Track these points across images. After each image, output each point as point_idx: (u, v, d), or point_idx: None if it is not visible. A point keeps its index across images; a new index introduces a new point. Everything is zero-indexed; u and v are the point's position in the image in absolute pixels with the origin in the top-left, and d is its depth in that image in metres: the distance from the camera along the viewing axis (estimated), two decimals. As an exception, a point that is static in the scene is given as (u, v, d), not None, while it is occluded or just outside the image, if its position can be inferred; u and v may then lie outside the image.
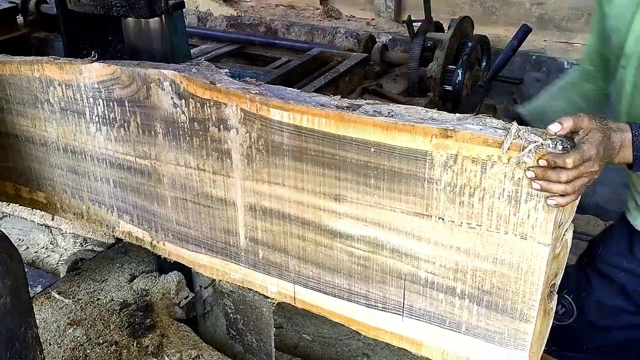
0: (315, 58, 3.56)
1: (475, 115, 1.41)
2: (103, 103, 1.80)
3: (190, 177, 1.75)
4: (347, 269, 1.62)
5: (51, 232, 3.44)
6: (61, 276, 2.95)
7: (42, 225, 3.33)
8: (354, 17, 4.59)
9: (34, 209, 2.41)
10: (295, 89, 1.64)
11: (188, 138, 1.69)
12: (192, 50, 3.72)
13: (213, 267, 1.86)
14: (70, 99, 1.86)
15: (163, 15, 1.83)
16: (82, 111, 1.86)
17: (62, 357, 2.03)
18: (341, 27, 4.33)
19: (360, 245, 1.56)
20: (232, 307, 2.20)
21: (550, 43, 3.88)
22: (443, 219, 1.43)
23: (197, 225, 1.82)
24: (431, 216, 1.44)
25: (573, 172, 1.22)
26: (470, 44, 3.18)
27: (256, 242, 1.73)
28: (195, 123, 1.66)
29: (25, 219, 3.23)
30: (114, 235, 2.66)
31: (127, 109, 1.76)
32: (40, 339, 1.58)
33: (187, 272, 2.22)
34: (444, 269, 1.48)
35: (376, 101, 1.56)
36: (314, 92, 2.22)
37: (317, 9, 4.65)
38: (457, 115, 1.43)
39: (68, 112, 1.90)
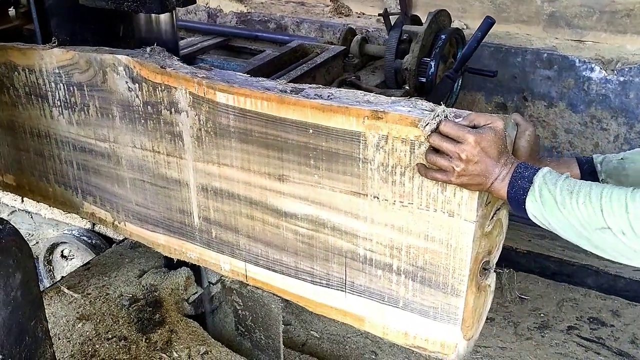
0: (295, 50, 3.61)
1: (408, 98, 1.48)
2: (64, 87, 1.87)
3: (146, 159, 1.82)
4: (293, 247, 1.68)
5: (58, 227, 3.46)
6: (39, 261, 3.01)
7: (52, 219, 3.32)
8: (363, 14, 4.61)
9: (40, 203, 2.43)
10: (245, 75, 1.70)
11: (143, 121, 1.76)
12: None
13: (171, 246, 1.93)
14: (34, 84, 1.93)
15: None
16: (45, 96, 1.94)
17: (71, 351, 2.02)
18: (351, 24, 4.27)
19: (304, 223, 1.63)
20: (241, 304, 2.22)
21: (561, 41, 3.87)
22: (378, 198, 1.49)
23: (154, 206, 1.89)
24: (367, 195, 1.50)
25: (437, 140, 1.30)
26: (443, 36, 3.24)
27: (209, 222, 1.80)
28: (148, 106, 1.73)
29: (36, 213, 3.21)
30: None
31: (86, 93, 1.83)
32: (50, 333, 1.59)
33: (196, 268, 2.22)
34: (380, 246, 1.54)
35: (320, 86, 1.63)
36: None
37: (327, 6, 4.63)
38: (392, 98, 1.50)
39: (32, 96, 1.97)
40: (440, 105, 1.39)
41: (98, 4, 1.81)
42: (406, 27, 3.44)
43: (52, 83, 1.89)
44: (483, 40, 3.08)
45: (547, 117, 3.89)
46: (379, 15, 3.83)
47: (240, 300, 2.21)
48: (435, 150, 1.34)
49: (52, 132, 2.00)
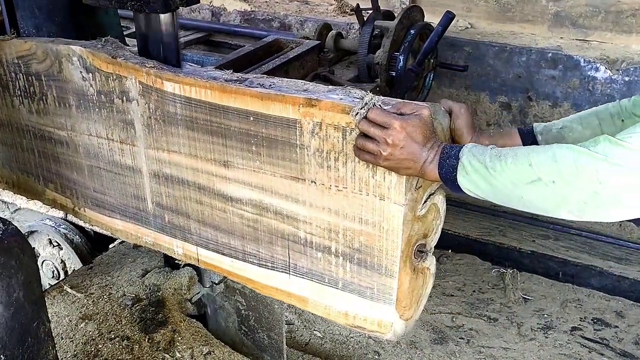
0: (270, 45, 3.68)
1: (344, 87, 1.55)
2: (23, 77, 1.93)
3: (101, 147, 1.89)
4: (239, 230, 1.75)
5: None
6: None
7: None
8: (368, 12, 4.67)
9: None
10: (195, 65, 1.77)
11: (97, 109, 1.83)
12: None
13: (127, 231, 2.00)
14: (-5, 74, 2.01)
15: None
16: (6, 85, 2.00)
17: (74, 351, 2.02)
18: (355, 22, 4.27)
19: (249, 208, 1.70)
20: (244, 304, 2.24)
21: (566, 40, 3.90)
22: (315, 182, 1.56)
23: (111, 192, 1.96)
24: (305, 180, 1.57)
25: (366, 125, 1.37)
26: (412, 31, 3.31)
27: (162, 207, 1.87)
28: (102, 95, 1.79)
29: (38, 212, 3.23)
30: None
31: (44, 82, 1.90)
32: (53, 333, 1.58)
33: (198, 269, 2.24)
34: (319, 229, 1.61)
35: (264, 76, 1.70)
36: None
37: (331, 5, 4.66)
38: (329, 87, 1.57)
39: (-6, 86, 2.04)
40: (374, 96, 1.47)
41: (102, 4, 1.84)
42: (378, 23, 3.51)
43: (12, 73, 1.96)
44: (489, 40, 3.10)
45: (552, 117, 3.86)
46: (351, 10, 3.89)
47: (243, 300, 2.23)
48: (365, 135, 1.41)
49: (14, 121, 2.07)
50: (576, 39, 3.91)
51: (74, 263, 2.52)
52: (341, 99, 1.46)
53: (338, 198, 1.54)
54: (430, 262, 1.65)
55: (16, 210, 3.27)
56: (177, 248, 1.91)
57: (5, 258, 1.36)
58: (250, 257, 1.77)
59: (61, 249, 2.53)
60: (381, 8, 3.63)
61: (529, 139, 1.59)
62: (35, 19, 2.18)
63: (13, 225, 1.42)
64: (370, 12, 3.52)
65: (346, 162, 1.49)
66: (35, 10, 2.16)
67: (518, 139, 1.59)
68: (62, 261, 2.55)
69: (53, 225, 2.52)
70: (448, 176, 1.36)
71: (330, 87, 1.56)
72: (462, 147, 1.36)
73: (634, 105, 1.57)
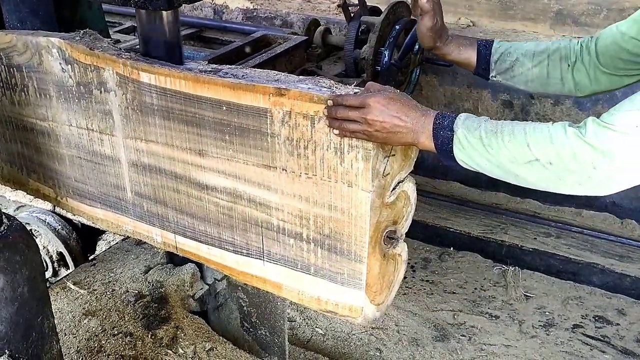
0: (259, 40, 3.72)
1: (313, 77, 1.59)
2: (5, 69, 1.98)
3: (81, 137, 1.93)
4: (215, 218, 1.79)
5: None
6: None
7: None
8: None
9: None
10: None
11: (77, 100, 1.87)
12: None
13: (108, 220, 2.04)
14: (-23, 66, 2.04)
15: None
16: (-12, 77, 2.05)
17: (77, 347, 2.03)
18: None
19: (223, 196, 1.74)
20: (246, 300, 2.26)
21: (568, 38, 3.92)
22: (286, 170, 1.60)
23: (91, 182, 2.00)
24: (276, 168, 1.61)
25: (344, 111, 1.42)
26: (397, 26, 3.35)
27: (141, 196, 1.91)
28: (81, 86, 1.83)
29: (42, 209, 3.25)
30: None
31: (25, 74, 1.94)
32: (56, 329, 1.59)
33: (200, 265, 2.25)
34: (291, 216, 1.65)
35: (237, 67, 1.74)
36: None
37: (334, 2, 4.65)
38: (300, 77, 1.61)
39: (-24, 78, 2.08)
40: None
41: (105, 0, 1.84)
42: (364, 18, 3.55)
43: (-6, 65, 2.00)
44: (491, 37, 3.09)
45: (554, 115, 3.88)
46: (338, 6, 3.92)
47: (245, 297, 2.26)
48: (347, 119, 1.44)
49: (-3, 113, 2.12)
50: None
51: (55, 246, 2.57)
52: (309, 88, 1.50)
53: (308, 185, 1.58)
54: (402, 249, 1.68)
55: (19, 207, 3.31)
56: (156, 236, 1.95)
57: (10, 253, 1.37)
58: (227, 244, 1.81)
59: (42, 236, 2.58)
60: (372, 4, 3.67)
61: (483, 64, 1.68)
62: (19, 13, 2.23)
63: (17, 221, 1.44)
64: (357, 8, 3.56)
65: (315, 149, 1.53)
66: (20, 4, 2.21)
67: (474, 60, 1.69)
68: (45, 247, 2.59)
69: (27, 213, 2.58)
70: (444, 147, 1.39)
71: (301, 77, 1.60)
72: (455, 119, 1.39)
73: (581, 48, 1.65)
